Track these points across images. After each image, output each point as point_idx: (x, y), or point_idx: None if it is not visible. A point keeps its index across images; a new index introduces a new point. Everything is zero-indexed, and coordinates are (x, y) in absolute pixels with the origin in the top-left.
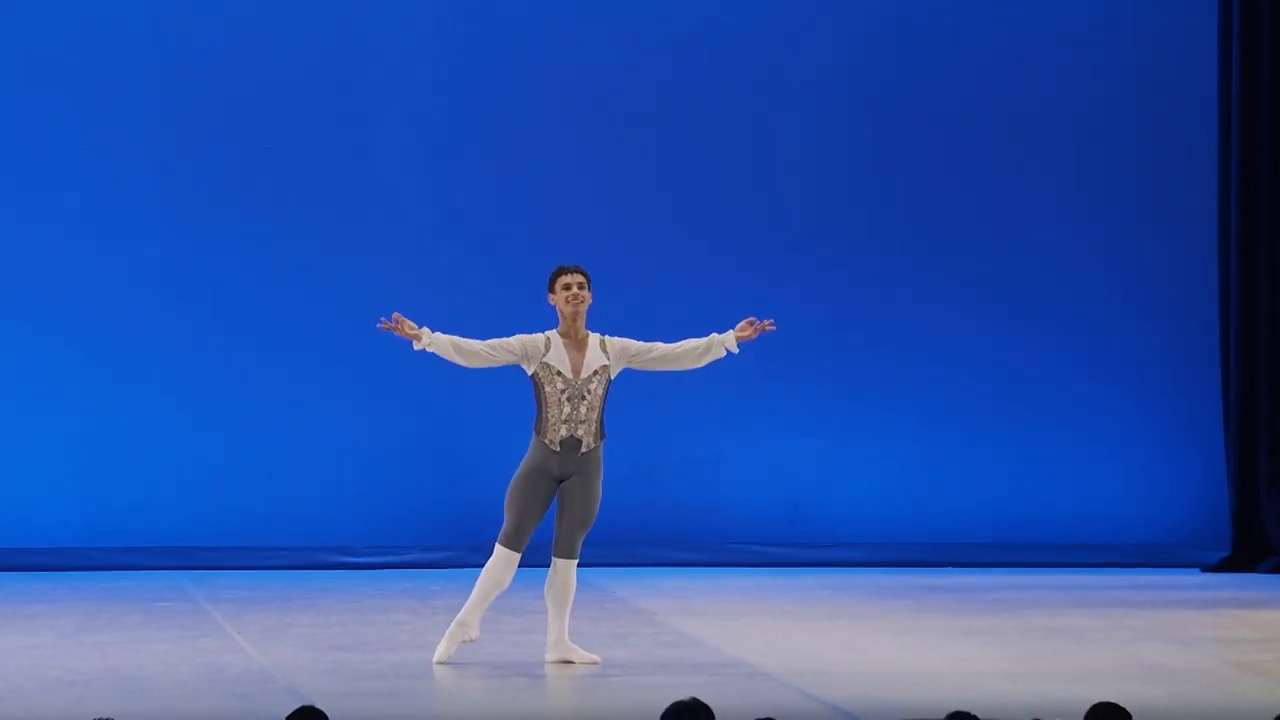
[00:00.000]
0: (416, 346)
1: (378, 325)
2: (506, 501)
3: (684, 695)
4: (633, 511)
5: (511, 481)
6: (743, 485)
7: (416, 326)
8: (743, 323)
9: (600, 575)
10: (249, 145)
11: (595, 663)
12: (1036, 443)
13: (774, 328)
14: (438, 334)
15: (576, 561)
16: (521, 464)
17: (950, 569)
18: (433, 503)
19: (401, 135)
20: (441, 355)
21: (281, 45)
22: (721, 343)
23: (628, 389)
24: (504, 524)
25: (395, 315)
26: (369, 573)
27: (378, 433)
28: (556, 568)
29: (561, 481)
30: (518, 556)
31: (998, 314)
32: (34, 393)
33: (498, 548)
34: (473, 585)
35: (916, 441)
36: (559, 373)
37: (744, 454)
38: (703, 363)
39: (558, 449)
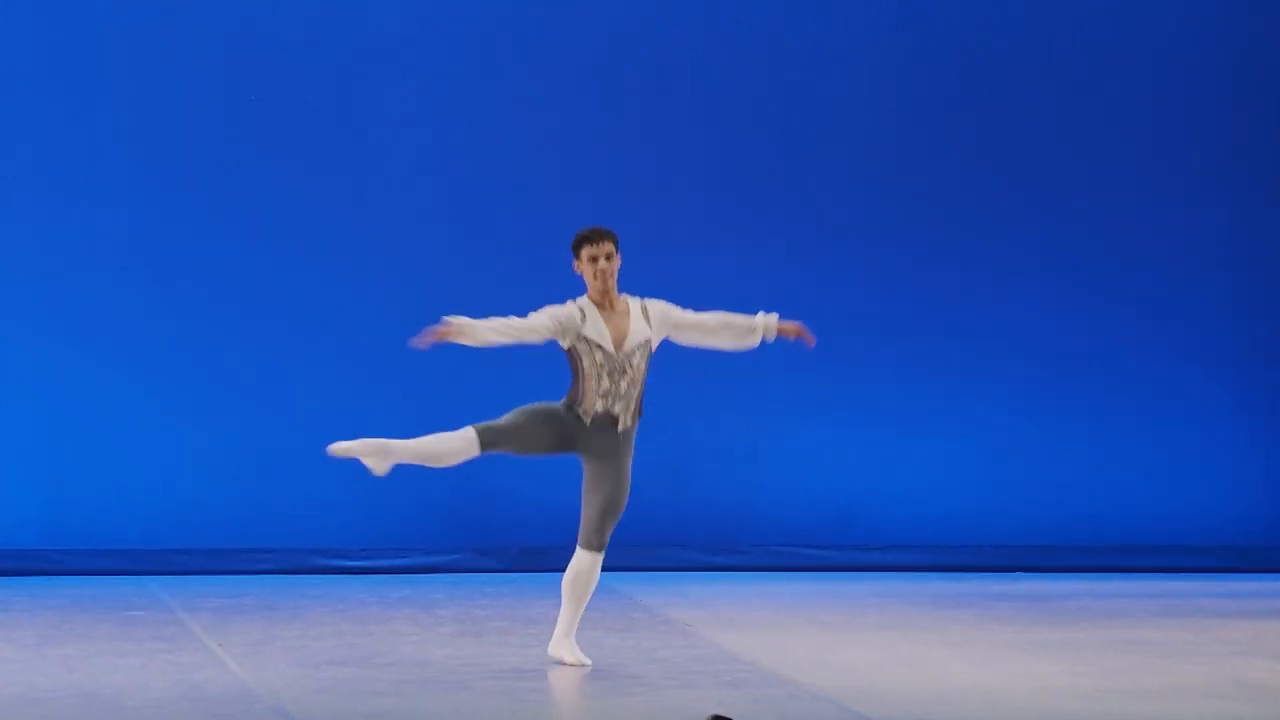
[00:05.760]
0: (459, 341)
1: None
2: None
3: (712, 713)
4: (661, 510)
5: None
6: (785, 481)
7: (445, 325)
8: (793, 323)
9: (626, 581)
10: (236, 127)
11: (585, 665)
12: (1116, 433)
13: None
14: (467, 324)
15: (603, 556)
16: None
17: (1019, 574)
18: (435, 501)
19: (405, 108)
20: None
21: (283, 29)
22: (764, 327)
23: (655, 372)
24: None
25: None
26: (365, 578)
27: (372, 423)
28: (582, 561)
29: (583, 454)
30: (477, 441)
31: (1072, 293)
32: None
33: (467, 429)
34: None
35: (981, 432)
36: (599, 346)
37: (786, 446)
38: (740, 346)
39: (589, 423)
